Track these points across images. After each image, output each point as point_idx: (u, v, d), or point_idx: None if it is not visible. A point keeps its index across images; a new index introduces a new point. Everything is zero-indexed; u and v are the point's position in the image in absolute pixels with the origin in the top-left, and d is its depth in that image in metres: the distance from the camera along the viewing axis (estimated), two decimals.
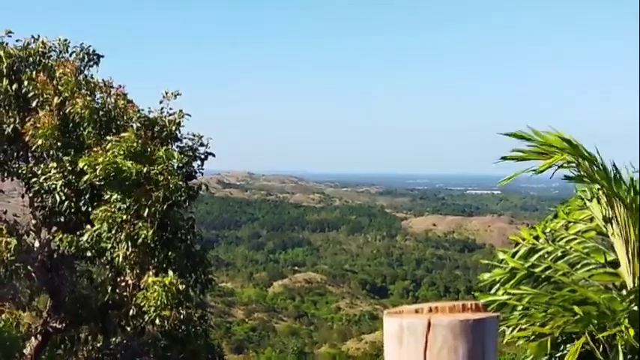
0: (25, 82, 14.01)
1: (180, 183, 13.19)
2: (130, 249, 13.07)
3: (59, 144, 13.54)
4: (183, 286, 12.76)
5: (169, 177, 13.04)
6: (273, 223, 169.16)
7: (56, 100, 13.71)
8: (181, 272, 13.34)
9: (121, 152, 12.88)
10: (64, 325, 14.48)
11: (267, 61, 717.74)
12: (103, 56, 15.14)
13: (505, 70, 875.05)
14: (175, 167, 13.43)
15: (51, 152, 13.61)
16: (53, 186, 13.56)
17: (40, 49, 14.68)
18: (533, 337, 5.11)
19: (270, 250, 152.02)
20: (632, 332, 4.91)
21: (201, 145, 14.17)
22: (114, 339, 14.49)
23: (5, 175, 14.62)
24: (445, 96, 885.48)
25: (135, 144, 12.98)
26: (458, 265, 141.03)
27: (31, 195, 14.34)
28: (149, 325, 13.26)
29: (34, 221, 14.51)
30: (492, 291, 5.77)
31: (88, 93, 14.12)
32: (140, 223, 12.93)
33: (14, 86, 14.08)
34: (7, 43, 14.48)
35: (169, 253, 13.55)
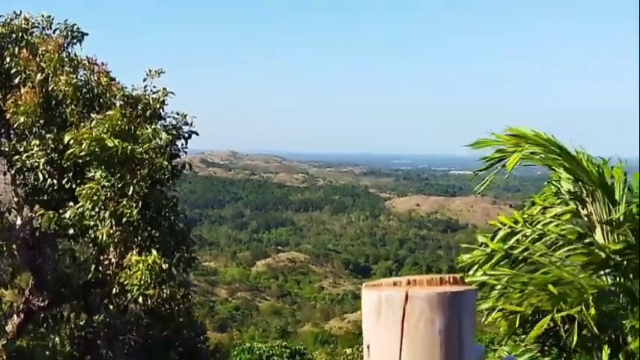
0: (8, 59, 13.89)
1: (165, 162, 13.16)
2: (113, 227, 13.05)
3: (42, 121, 13.45)
4: (167, 265, 12.78)
5: (154, 155, 13.00)
6: (257, 203, 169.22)
7: (39, 77, 13.60)
8: (165, 251, 13.33)
9: (106, 130, 12.82)
10: (46, 303, 14.46)
11: (250, 40, 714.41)
12: (87, 34, 15.01)
13: (491, 51, 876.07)
14: (160, 146, 13.39)
15: (33, 130, 13.52)
16: (36, 163, 13.48)
17: (23, 26, 14.54)
18: (508, 314, 5.19)
19: (253, 230, 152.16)
20: (592, 312, 5.00)
21: (185, 123, 14.12)
22: (97, 317, 14.48)
23: None
24: (433, 77, 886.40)
25: (120, 122, 12.92)
26: (440, 245, 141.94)
27: (13, 172, 14.25)
28: (132, 304, 13.27)
29: (16, 199, 14.43)
30: (471, 272, 5.83)
31: (72, 70, 14.01)
32: (124, 202, 12.90)
33: None
34: None
35: (153, 232, 13.54)
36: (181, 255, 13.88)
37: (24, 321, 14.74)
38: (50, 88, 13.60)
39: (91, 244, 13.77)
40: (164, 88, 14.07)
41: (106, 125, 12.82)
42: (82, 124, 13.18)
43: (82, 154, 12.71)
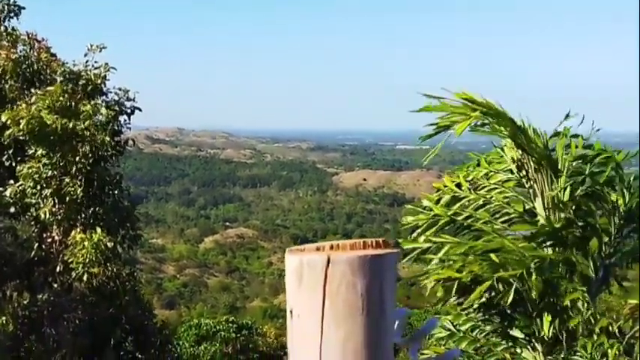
0: None
1: (107, 138, 12.99)
2: (56, 205, 12.88)
3: None
4: (112, 243, 12.68)
5: (96, 132, 12.83)
6: (204, 179, 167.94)
7: None
8: (109, 228, 13.22)
9: (46, 106, 12.59)
10: None
11: (193, 10, 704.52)
12: (24, 7, 14.67)
13: (441, 23, 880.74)
14: (102, 122, 13.21)
15: None
16: None
17: None
18: (446, 281, 5.26)
19: (201, 206, 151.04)
20: (534, 279, 5.11)
21: (128, 99, 13.94)
22: (40, 296, 14.29)
23: None
24: (376, 50, 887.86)
25: (60, 98, 12.70)
26: (387, 219, 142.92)
27: None
28: (77, 282, 13.15)
29: None
30: (414, 235, 5.87)
31: (10, 45, 13.69)
32: (67, 180, 12.73)
33: None
34: None
35: (97, 209, 13.40)
36: (126, 232, 13.77)
37: None
38: None
39: (33, 223, 13.56)
40: (106, 64, 13.85)
41: (46, 101, 12.59)
42: (22, 100, 12.91)
43: (20, 133, 12.48)
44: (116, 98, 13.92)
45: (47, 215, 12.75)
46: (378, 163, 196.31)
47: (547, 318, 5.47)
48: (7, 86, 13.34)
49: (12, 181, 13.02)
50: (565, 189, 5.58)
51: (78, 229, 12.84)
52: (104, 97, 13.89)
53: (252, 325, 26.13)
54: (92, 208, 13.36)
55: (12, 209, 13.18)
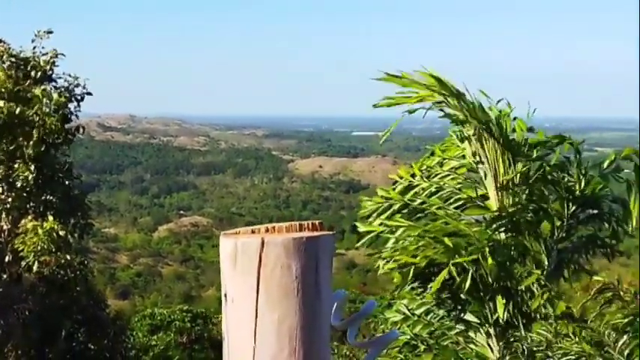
0: None
1: (57, 124, 12.78)
2: (5, 193, 12.63)
3: None
4: (64, 232, 12.51)
5: (45, 118, 12.60)
6: (157, 167, 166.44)
7: None
8: (60, 217, 13.03)
9: None
10: None
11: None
12: None
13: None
14: (51, 108, 13.00)
15: None
16: None
17: None
18: (402, 267, 5.27)
19: (154, 195, 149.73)
20: (489, 262, 5.16)
21: (77, 85, 13.73)
22: None
23: None
24: (333, 36, 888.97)
25: (6, 83, 12.44)
26: (343, 206, 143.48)
27: None
28: (26, 272, 12.93)
29: None
30: (370, 220, 5.89)
31: None
32: (17, 166, 12.50)
33: None
34: None
35: (48, 197, 13.19)
36: (77, 221, 13.60)
37: None
38: None
39: None
40: (54, 49, 13.62)
41: None
42: None
43: None
44: (66, 84, 13.71)
45: None
46: (334, 150, 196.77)
47: (500, 301, 5.51)
48: None
49: None
50: (520, 173, 5.63)
51: (29, 217, 12.62)
52: (53, 84, 13.67)
53: (208, 314, 25.99)
54: (43, 196, 13.14)
55: None
